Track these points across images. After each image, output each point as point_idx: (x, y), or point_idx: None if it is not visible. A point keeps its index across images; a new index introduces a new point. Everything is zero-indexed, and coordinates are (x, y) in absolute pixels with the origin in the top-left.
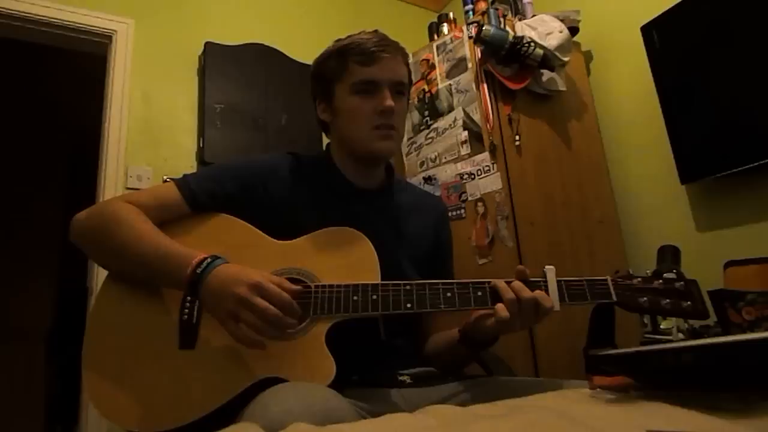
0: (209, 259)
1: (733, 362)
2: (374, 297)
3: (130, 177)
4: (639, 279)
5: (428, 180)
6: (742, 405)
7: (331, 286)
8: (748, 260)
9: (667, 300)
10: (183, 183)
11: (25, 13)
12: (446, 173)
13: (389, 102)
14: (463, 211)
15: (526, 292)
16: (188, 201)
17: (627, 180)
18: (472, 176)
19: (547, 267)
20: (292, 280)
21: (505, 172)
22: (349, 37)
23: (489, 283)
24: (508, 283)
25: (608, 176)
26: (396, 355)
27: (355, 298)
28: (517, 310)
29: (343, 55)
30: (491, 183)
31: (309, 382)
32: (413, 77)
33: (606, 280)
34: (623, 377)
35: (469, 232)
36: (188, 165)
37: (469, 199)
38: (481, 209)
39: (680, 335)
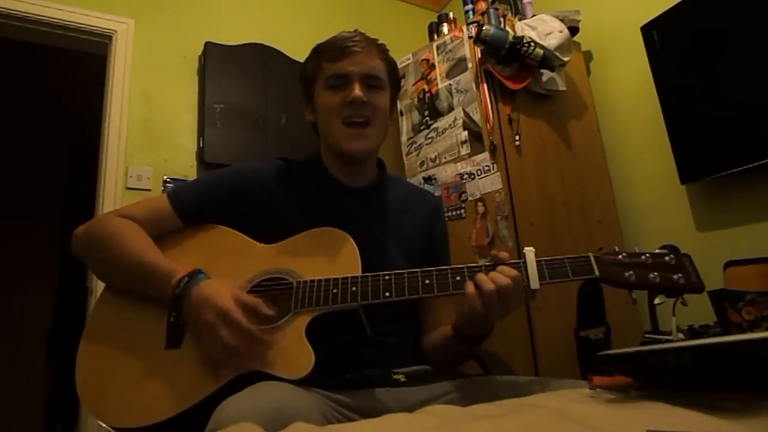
0: (186, 279)
1: (733, 362)
2: (353, 288)
3: (130, 177)
4: (624, 254)
5: (428, 180)
6: (742, 405)
7: (312, 281)
8: (748, 260)
9: (656, 273)
10: (174, 195)
11: (25, 13)
12: (446, 173)
13: (356, 92)
14: (463, 211)
15: (504, 280)
16: (179, 213)
17: (627, 180)
18: (472, 176)
19: (526, 248)
20: (276, 280)
21: (505, 172)
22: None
23: (468, 271)
24: (488, 272)
25: (608, 176)
26: (390, 353)
27: (335, 290)
28: (497, 299)
29: (317, 55)
30: (491, 183)
31: (289, 373)
32: (413, 77)
33: (588, 256)
34: (623, 377)
35: (469, 232)
36: (188, 165)
37: (469, 199)
38: (481, 209)
39: (680, 335)
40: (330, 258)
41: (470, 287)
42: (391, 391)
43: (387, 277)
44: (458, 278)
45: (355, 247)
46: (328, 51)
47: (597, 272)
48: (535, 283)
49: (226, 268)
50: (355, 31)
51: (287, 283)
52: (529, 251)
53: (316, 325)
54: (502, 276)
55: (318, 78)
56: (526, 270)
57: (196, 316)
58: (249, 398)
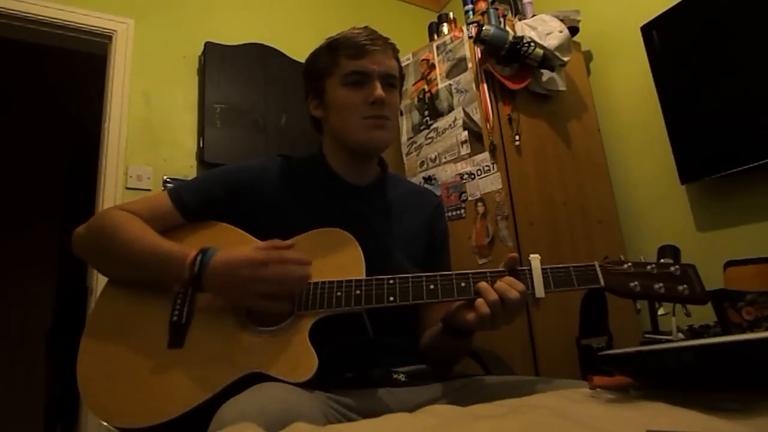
0: (200, 255)
1: (733, 362)
2: (357, 292)
3: (130, 177)
4: (629, 264)
5: (428, 180)
6: (742, 405)
7: (315, 283)
8: (748, 260)
9: (661, 284)
10: (175, 193)
11: (25, 13)
12: (446, 173)
13: (379, 92)
14: (463, 211)
15: (513, 293)
16: (180, 211)
17: (627, 180)
18: (472, 176)
19: (532, 255)
20: None
21: (505, 172)
22: (339, 33)
23: (473, 277)
24: (494, 279)
25: (608, 176)
26: (390, 353)
27: (338, 293)
28: (501, 310)
29: (333, 50)
30: (491, 183)
31: (291, 376)
32: (413, 77)
33: (593, 265)
34: (623, 377)
35: (469, 232)
36: (188, 165)
37: (469, 199)
38: (481, 209)
39: (680, 335)
40: (334, 260)
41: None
42: (392, 392)
43: (391, 282)
44: (463, 284)
45: (360, 249)
46: (348, 47)
47: (602, 282)
48: (540, 291)
49: None
50: (366, 27)
51: None
52: (535, 258)
53: (318, 326)
54: (510, 289)
55: (333, 73)
56: (532, 278)
57: (227, 280)
58: (253, 399)
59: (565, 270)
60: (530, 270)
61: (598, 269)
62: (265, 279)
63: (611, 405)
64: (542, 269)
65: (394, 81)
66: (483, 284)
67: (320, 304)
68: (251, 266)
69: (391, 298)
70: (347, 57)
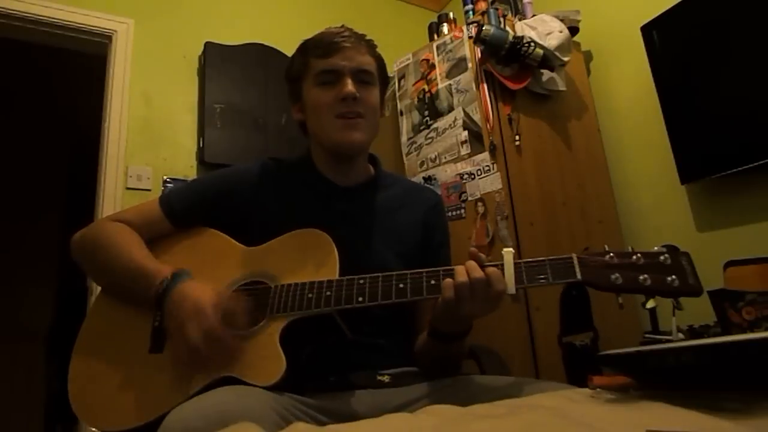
0: (169, 278)
1: (733, 362)
2: (328, 293)
3: (130, 177)
4: (612, 254)
5: (428, 180)
6: (742, 405)
7: (288, 285)
8: (748, 260)
9: (646, 276)
10: (165, 198)
11: (25, 13)
12: (446, 173)
13: (349, 88)
14: (463, 211)
15: (478, 272)
16: (169, 218)
17: (627, 180)
18: (472, 176)
19: (505, 249)
20: (254, 283)
21: (505, 172)
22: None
23: (444, 273)
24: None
25: (608, 176)
26: (378, 354)
27: (310, 295)
28: (468, 292)
29: (304, 53)
30: (491, 183)
31: (259, 380)
32: (413, 77)
33: (571, 257)
34: (623, 377)
35: (469, 232)
36: (188, 165)
37: (469, 199)
38: (481, 209)
39: (680, 335)
40: (309, 261)
41: (447, 280)
42: (372, 393)
43: (362, 282)
44: (433, 282)
45: (335, 249)
46: (316, 47)
47: (579, 275)
48: (511, 287)
49: (210, 271)
50: (342, 26)
51: (266, 287)
52: (508, 252)
53: (296, 328)
54: (477, 269)
55: (306, 75)
56: (503, 273)
57: (171, 314)
58: (193, 404)
59: (540, 264)
60: (502, 264)
61: (575, 261)
62: (186, 335)
63: (611, 405)
64: (515, 263)
65: (368, 77)
66: (458, 267)
67: (291, 307)
68: (190, 313)
69: (360, 299)
70: (316, 57)
